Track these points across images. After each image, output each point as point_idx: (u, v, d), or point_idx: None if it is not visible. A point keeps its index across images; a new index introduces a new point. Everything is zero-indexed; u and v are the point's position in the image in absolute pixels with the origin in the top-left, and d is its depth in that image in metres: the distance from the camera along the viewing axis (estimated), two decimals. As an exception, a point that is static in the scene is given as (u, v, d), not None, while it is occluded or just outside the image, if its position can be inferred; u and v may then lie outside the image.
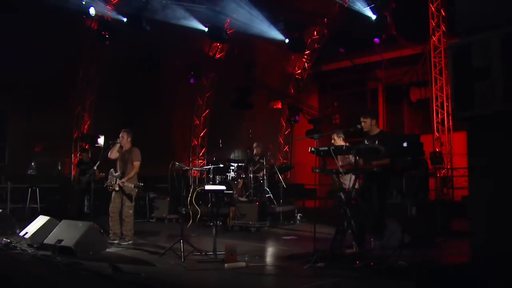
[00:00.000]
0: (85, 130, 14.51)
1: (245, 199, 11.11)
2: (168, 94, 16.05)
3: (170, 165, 7.52)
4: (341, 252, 6.54)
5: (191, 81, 15.53)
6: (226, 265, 6.07)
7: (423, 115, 15.81)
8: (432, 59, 13.96)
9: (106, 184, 8.34)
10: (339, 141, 8.28)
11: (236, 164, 11.89)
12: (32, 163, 13.76)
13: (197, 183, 15.18)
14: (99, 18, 12.58)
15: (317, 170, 6.99)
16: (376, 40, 12.97)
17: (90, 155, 12.00)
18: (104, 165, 8.95)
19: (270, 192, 12.20)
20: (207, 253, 6.90)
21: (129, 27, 12.47)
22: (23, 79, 12.43)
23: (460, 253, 6.77)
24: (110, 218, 8.26)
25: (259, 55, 17.28)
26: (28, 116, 13.03)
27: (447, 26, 13.47)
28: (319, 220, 8.29)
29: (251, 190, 11.54)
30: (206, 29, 13.93)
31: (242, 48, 16.27)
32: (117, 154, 8.42)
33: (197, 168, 7.38)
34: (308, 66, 19.33)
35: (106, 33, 12.53)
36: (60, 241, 6.95)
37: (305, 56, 19.04)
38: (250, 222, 10.12)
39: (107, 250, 7.40)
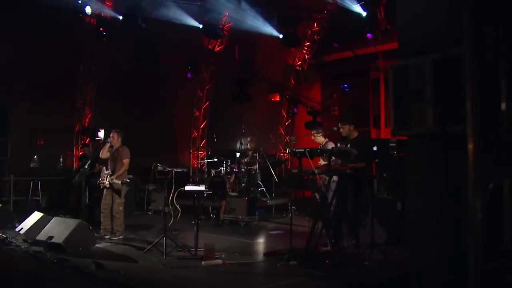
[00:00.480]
0: (86, 123, 14.85)
1: (235, 194, 11.42)
2: (168, 87, 16.28)
3: (153, 167, 7.83)
4: (315, 250, 6.85)
5: (189, 75, 15.76)
6: (203, 262, 6.42)
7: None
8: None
9: (98, 182, 8.71)
10: (318, 137, 8.55)
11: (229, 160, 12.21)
12: (35, 156, 14.18)
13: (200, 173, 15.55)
14: (96, 15, 12.86)
15: (294, 171, 7.30)
16: (369, 35, 13.10)
17: (91, 149, 12.40)
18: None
19: (263, 186, 12.52)
20: (190, 249, 7.25)
21: (124, 25, 12.74)
22: (25, 75, 12.71)
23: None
24: (101, 214, 8.64)
25: (259, 47, 17.44)
26: (30, 110, 13.37)
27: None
28: (309, 213, 8.44)
29: (243, 184, 11.84)
30: (201, 26, 14.16)
31: (241, 41, 16.44)
32: (108, 154, 8.75)
33: (178, 169, 7.62)
34: (308, 58, 19.47)
35: (104, 30, 12.81)
36: (51, 237, 7.33)
37: (305, 48, 19.17)
38: (240, 217, 10.46)
39: (97, 245, 7.79)
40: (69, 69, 14.22)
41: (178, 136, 17.82)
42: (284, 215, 11.98)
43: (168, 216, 7.26)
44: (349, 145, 7.13)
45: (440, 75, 3.59)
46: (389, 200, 8.09)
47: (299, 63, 19.56)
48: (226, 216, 10.72)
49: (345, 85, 18.81)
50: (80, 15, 12.30)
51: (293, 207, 12.23)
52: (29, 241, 7.75)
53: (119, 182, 8.43)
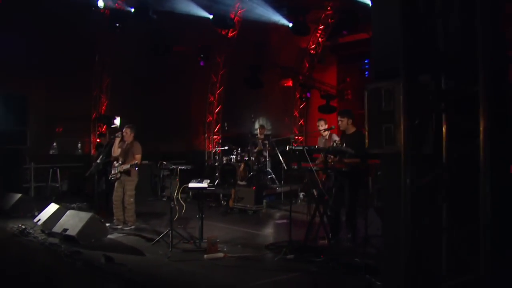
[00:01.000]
0: (102, 111, 15.32)
1: (244, 183, 11.80)
2: (183, 73, 16.57)
3: (159, 165, 8.22)
4: (313, 244, 7.20)
5: (201, 63, 16.04)
6: (205, 256, 6.83)
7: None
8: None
9: (110, 176, 9.18)
10: (321, 126, 8.95)
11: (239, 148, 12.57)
12: (54, 144, 14.74)
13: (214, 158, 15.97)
14: (109, 8, 13.18)
15: (294, 167, 7.63)
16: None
17: (107, 138, 12.87)
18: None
19: (272, 173, 12.87)
20: (196, 240, 7.68)
21: (136, 17, 13.05)
22: (42, 65, 13.17)
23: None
24: (113, 205, 9.13)
25: (272, 32, 17.58)
26: (48, 99, 13.85)
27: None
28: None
29: (253, 173, 12.20)
30: (211, 17, 14.38)
31: (254, 26, 16.59)
32: (119, 150, 9.18)
33: (182, 167, 7.99)
34: (322, 41, 19.54)
35: (117, 22, 13.15)
36: (65, 230, 7.81)
37: (319, 31, 19.23)
38: (248, 205, 10.86)
39: (109, 236, 8.27)
40: (85, 59, 14.64)
41: (193, 121, 18.18)
42: (294, 201, 12.31)
43: (175, 209, 7.62)
44: (346, 141, 7.39)
45: (409, 100, 3.84)
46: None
47: (313, 46, 19.64)
48: (235, 204, 11.11)
49: (366, 61, 18.61)
50: (93, 8, 12.62)
51: (302, 193, 12.69)
52: (46, 232, 8.26)
53: (128, 165, 8.84)
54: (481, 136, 3.40)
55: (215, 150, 15.20)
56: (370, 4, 4.64)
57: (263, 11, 14.45)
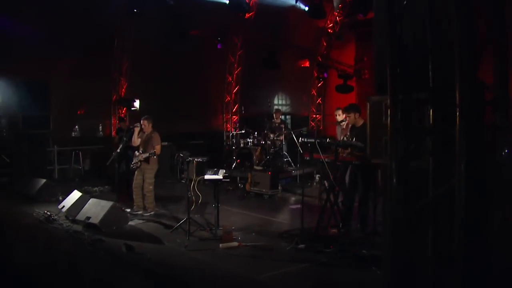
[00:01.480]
0: (122, 93, 15.65)
1: (260, 168, 12.07)
2: (201, 55, 16.74)
3: (176, 156, 8.52)
4: (323, 233, 7.48)
5: (219, 46, 16.18)
6: (220, 245, 7.17)
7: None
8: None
9: (131, 165, 9.54)
10: (338, 116, 9.21)
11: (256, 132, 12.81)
12: (76, 126, 15.18)
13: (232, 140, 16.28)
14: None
15: (307, 158, 7.88)
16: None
17: (127, 123, 13.26)
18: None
19: (288, 156, 13.12)
20: (212, 228, 8.02)
21: (154, 3, 13.25)
22: (63, 50, 13.52)
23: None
24: (133, 192, 9.51)
25: (290, 11, 17.58)
26: (69, 82, 14.19)
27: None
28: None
29: (269, 156, 12.46)
30: (228, 2, 14.51)
31: (271, 7, 16.63)
32: (139, 140, 9.51)
33: (198, 159, 8.29)
34: (340, 20, 19.46)
35: (134, 8, 13.38)
36: (88, 218, 8.21)
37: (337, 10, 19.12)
38: (264, 190, 11.16)
39: (130, 223, 8.66)
40: (105, 43, 14.93)
41: (212, 101, 18.44)
42: (309, 183, 12.58)
43: (192, 199, 7.94)
44: (356, 133, 7.60)
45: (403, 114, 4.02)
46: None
47: (331, 25, 19.59)
48: (252, 188, 11.41)
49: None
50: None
51: (318, 175, 12.92)
52: (70, 218, 8.68)
53: (147, 154, 9.20)
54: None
55: (233, 133, 15.46)
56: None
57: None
